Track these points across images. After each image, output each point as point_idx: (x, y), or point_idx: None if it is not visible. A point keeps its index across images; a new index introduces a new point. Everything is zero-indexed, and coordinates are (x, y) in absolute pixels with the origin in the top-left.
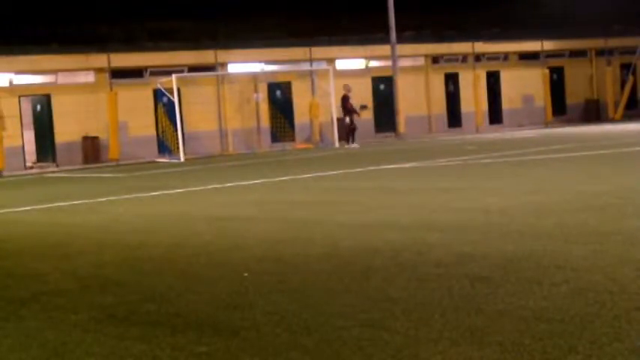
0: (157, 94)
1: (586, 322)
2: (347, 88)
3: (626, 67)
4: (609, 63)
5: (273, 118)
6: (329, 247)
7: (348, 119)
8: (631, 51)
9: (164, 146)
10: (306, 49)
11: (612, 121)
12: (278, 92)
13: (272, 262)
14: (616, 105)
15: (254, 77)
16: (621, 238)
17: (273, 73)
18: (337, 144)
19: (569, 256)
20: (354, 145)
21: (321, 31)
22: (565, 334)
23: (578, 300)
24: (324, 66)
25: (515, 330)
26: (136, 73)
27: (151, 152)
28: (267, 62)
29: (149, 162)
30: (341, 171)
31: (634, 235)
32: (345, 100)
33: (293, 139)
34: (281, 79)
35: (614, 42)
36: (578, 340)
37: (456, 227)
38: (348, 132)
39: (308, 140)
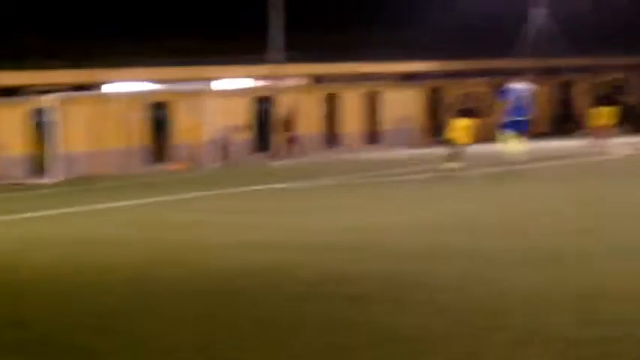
0: (35, 114)
1: (445, 340)
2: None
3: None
4: (487, 84)
5: (152, 138)
6: (201, 269)
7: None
8: (505, 72)
9: (40, 166)
10: (187, 69)
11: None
12: (158, 112)
13: (139, 285)
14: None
15: (134, 97)
16: (484, 259)
17: (153, 92)
18: (217, 164)
19: (433, 276)
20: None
21: (202, 50)
22: (426, 353)
23: (439, 318)
24: (204, 86)
25: (377, 349)
26: (11, 91)
27: (26, 173)
28: (148, 82)
29: (19, 183)
30: (217, 191)
31: (495, 256)
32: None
33: (172, 160)
34: (161, 98)
35: (489, 63)
36: (439, 357)
37: (325, 247)
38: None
39: (187, 160)
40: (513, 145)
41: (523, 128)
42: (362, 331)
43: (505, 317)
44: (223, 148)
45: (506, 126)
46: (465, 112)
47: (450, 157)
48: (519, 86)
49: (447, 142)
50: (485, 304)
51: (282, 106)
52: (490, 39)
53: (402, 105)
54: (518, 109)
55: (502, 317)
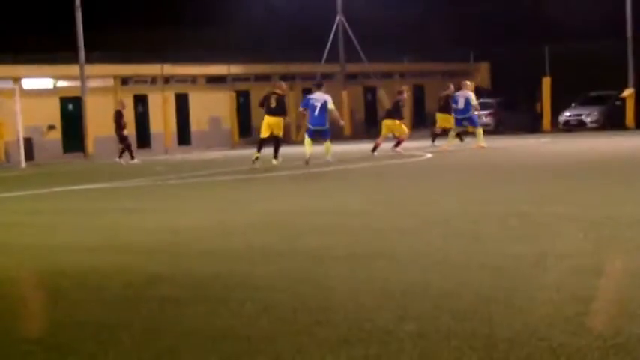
0: None
1: (270, 338)
2: (122, 103)
3: (307, 92)
4: (292, 87)
5: None
6: (13, 270)
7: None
8: (312, 76)
9: None
10: None
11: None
12: None
13: None
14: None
15: None
16: (302, 257)
17: None
18: (24, 164)
19: (254, 276)
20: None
21: (6, 48)
22: (250, 351)
23: (263, 317)
24: (10, 85)
25: (202, 349)
26: None
27: None
28: None
29: None
30: (27, 192)
31: (314, 254)
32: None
33: None
34: None
35: (295, 67)
36: (264, 355)
37: (145, 249)
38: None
39: None
40: (309, 149)
41: (324, 136)
42: (191, 332)
43: (329, 314)
44: (30, 148)
45: (308, 133)
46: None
47: (274, 154)
48: (314, 96)
49: (263, 140)
50: (309, 301)
51: (90, 107)
52: (298, 42)
53: (211, 107)
54: (313, 119)
55: (326, 314)
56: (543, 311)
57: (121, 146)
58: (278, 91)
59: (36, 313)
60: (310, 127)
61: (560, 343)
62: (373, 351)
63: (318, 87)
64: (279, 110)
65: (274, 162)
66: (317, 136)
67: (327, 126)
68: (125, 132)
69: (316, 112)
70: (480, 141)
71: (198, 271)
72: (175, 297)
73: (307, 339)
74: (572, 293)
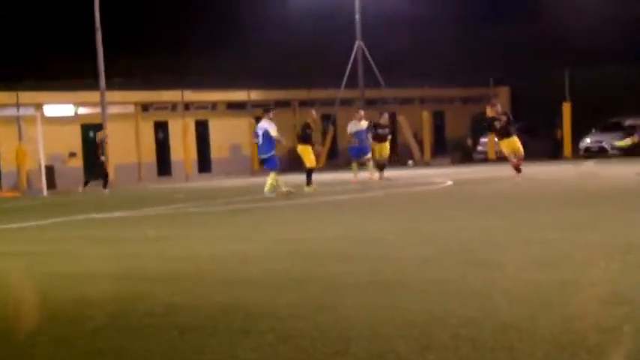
0: None
1: None
2: (103, 133)
3: (326, 118)
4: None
5: None
6: (37, 298)
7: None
8: (331, 102)
9: None
10: (13, 94)
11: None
12: None
13: None
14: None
15: None
16: (322, 285)
17: None
18: (45, 192)
19: (275, 305)
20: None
21: (28, 75)
22: None
23: (283, 347)
24: (31, 111)
25: None
26: None
27: None
28: None
29: None
30: (49, 220)
31: (334, 281)
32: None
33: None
34: None
35: (316, 93)
36: None
37: (166, 277)
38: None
39: (15, 188)
40: (271, 180)
41: (267, 165)
42: None
43: (350, 343)
44: (51, 175)
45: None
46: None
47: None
48: (259, 124)
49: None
50: (329, 331)
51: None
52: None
53: (231, 133)
54: (259, 147)
55: (347, 343)
56: (565, 340)
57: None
58: (307, 120)
59: (57, 340)
60: (259, 156)
61: None
62: None
63: (264, 114)
64: (302, 138)
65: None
66: (266, 165)
67: (270, 154)
68: (103, 158)
69: (259, 141)
70: None
71: (219, 299)
72: (196, 326)
73: None
74: (595, 322)
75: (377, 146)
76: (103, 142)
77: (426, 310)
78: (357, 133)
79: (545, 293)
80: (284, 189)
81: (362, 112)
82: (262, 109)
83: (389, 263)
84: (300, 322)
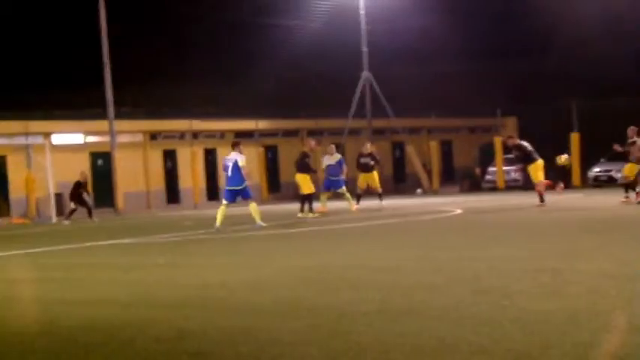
0: None
1: None
2: (83, 175)
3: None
4: (319, 143)
5: None
6: (46, 325)
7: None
8: (339, 132)
9: None
10: (22, 123)
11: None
12: None
13: None
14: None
15: None
16: (332, 312)
17: None
18: (54, 219)
19: (285, 331)
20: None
21: (37, 104)
22: None
23: None
24: (40, 140)
25: None
26: None
27: None
28: None
29: None
30: (58, 247)
31: (344, 308)
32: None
33: (8, 214)
34: None
35: (324, 122)
36: None
37: (176, 303)
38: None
39: (24, 215)
40: (222, 211)
41: (244, 196)
42: None
43: None
44: (60, 203)
45: (224, 195)
46: (302, 168)
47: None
48: (228, 156)
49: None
50: (340, 357)
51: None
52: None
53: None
54: (228, 179)
55: None
56: None
57: (83, 208)
58: (304, 148)
59: None
60: (227, 187)
61: None
62: None
63: (233, 147)
64: (300, 167)
65: (309, 215)
66: (236, 197)
67: (244, 185)
68: (85, 195)
69: (229, 173)
70: None
71: (229, 326)
72: (205, 352)
73: None
74: (608, 351)
75: (362, 176)
76: (84, 183)
77: (436, 337)
78: (328, 167)
79: (557, 321)
80: (217, 224)
81: (333, 147)
82: (232, 142)
83: (399, 290)
84: (311, 349)
